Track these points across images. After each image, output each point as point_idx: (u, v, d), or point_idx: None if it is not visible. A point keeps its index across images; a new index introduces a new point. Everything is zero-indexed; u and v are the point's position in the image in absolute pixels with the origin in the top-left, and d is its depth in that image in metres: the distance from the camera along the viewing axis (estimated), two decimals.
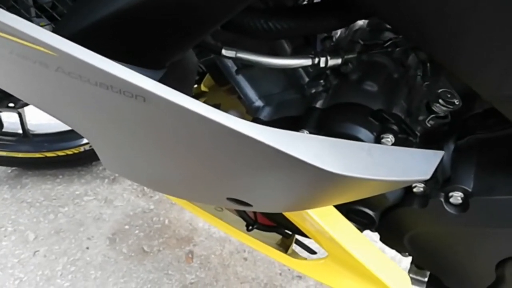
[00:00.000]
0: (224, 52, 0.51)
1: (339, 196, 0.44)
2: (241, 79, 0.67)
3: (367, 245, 0.60)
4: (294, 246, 0.87)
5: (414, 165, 0.42)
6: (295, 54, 0.58)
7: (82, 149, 1.43)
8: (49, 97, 0.44)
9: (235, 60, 0.52)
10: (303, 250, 0.90)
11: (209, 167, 0.44)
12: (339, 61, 0.54)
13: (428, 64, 0.56)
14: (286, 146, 0.37)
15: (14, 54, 0.37)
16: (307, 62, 0.52)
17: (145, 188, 1.48)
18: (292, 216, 0.66)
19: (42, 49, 0.35)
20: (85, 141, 1.43)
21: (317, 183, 0.40)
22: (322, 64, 0.53)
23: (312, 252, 0.93)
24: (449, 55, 0.42)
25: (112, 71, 0.35)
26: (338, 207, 0.61)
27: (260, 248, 0.77)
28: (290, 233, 0.88)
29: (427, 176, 0.42)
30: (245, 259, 1.26)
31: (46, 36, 0.34)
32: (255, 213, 0.81)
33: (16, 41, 0.35)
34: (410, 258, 0.75)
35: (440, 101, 0.53)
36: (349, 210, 0.62)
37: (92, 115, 0.43)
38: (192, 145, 0.40)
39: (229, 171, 0.43)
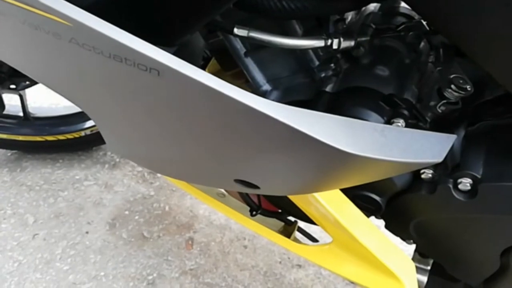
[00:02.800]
0: (236, 30, 0.51)
1: (350, 177, 0.44)
2: (249, 61, 0.66)
3: (373, 231, 0.60)
4: (296, 234, 0.88)
5: (427, 148, 0.41)
6: (307, 36, 0.57)
7: (83, 133, 1.43)
8: (58, 71, 0.43)
9: (247, 39, 0.52)
10: (304, 239, 0.90)
11: (220, 146, 0.43)
12: (352, 43, 0.54)
13: (441, 50, 0.56)
14: (300, 123, 0.36)
15: (26, 24, 0.37)
16: (319, 43, 0.52)
17: (146, 174, 1.48)
18: (298, 201, 0.66)
19: (56, 18, 0.34)
20: (86, 125, 1.43)
21: (329, 163, 0.40)
22: (335, 46, 0.52)
23: (314, 240, 0.93)
24: (466, 38, 0.42)
25: (128, 42, 0.34)
26: (344, 192, 0.61)
27: (263, 232, 0.77)
28: (292, 220, 0.88)
29: (440, 159, 0.42)
30: (245, 246, 1.27)
31: (62, 5, 0.34)
32: (259, 198, 0.81)
33: (30, 10, 0.35)
34: (410, 247, 0.76)
35: (452, 86, 0.53)
36: (355, 196, 0.62)
37: (102, 91, 0.43)
38: (205, 122, 0.40)
39: (240, 150, 0.42)
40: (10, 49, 0.45)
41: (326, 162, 0.39)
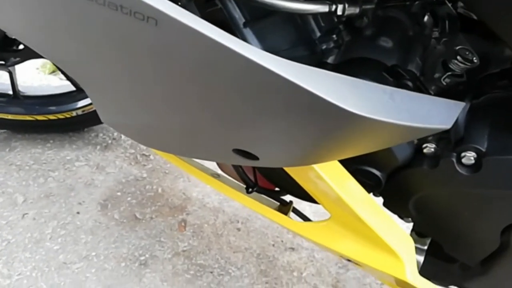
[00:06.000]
0: None
1: (355, 143, 0.42)
2: (248, 32, 0.64)
3: (374, 207, 0.58)
4: (291, 216, 0.86)
5: (436, 113, 0.40)
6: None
7: (74, 113, 1.40)
8: (47, 24, 0.41)
9: (249, 2, 0.50)
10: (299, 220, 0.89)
11: (219, 108, 0.41)
12: (356, 10, 0.52)
13: (447, 21, 0.54)
14: (305, 80, 0.34)
15: None
16: (323, 8, 0.50)
17: (138, 156, 1.45)
18: (297, 176, 0.64)
19: None
20: (77, 105, 1.40)
21: (334, 125, 0.38)
22: (339, 12, 0.50)
23: (309, 221, 0.92)
24: (481, 2, 0.40)
25: None
26: (344, 166, 0.59)
27: (259, 209, 0.75)
28: (287, 201, 0.87)
29: (449, 125, 0.41)
30: (238, 229, 1.25)
31: None
32: (255, 176, 0.79)
33: None
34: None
35: (458, 58, 0.52)
36: (355, 171, 0.60)
37: (94, 45, 0.40)
38: (204, 79, 0.38)
39: (241, 112, 0.40)
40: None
41: (332, 124, 0.38)
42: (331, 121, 0.37)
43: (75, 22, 0.37)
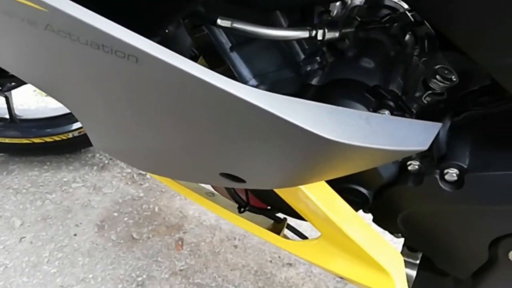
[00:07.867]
0: (219, 21, 0.50)
1: (336, 167, 0.43)
2: (235, 56, 0.65)
3: (361, 224, 0.59)
4: (286, 232, 0.87)
5: (413, 135, 0.41)
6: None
7: (70, 135, 1.41)
8: (35, 61, 0.42)
9: (231, 30, 0.51)
10: (295, 237, 0.90)
11: (202, 137, 0.42)
12: (336, 34, 0.54)
13: (426, 41, 0.56)
14: (283, 110, 0.36)
15: (0, 11, 0.36)
16: (304, 34, 0.51)
17: (135, 175, 1.46)
18: (286, 196, 0.65)
19: (31, 4, 0.33)
20: (73, 127, 1.41)
21: (314, 152, 0.39)
22: (319, 37, 0.52)
23: (304, 237, 0.93)
24: (449, 23, 0.42)
25: (104, 28, 0.33)
26: (331, 185, 0.60)
27: (252, 229, 0.76)
28: (281, 218, 0.87)
29: (425, 146, 0.42)
30: (236, 246, 1.26)
31: None
32: (247, 195, 0.80)
33: None
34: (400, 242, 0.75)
35: (437, 77, 0.53)
36: (342, 189, 0.61)
37: (79, 81, 0.42)
38: (187, 112, 0.39)
39: (223, 140, 0.41)
40: None
41: (311, 150, 0.39)
42: (310, 147, 0.38)
43: (60, 60, 0.38)
